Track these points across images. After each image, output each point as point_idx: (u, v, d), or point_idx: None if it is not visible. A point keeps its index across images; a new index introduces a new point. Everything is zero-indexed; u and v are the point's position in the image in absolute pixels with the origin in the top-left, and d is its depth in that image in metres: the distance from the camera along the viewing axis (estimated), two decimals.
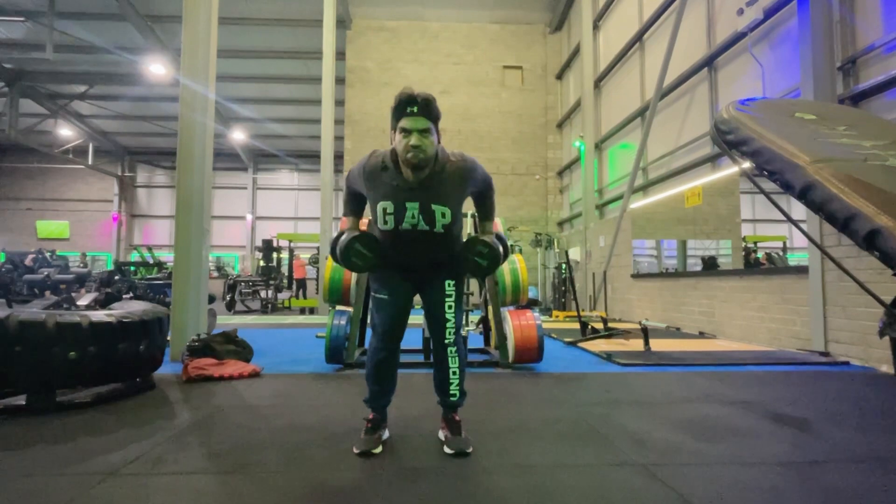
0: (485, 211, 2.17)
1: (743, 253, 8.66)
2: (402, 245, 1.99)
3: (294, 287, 13.38)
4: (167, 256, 16.46)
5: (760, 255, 11.19)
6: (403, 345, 2.22)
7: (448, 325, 2.09)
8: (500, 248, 2.05)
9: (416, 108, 1.77)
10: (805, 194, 1.65)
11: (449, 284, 2.10)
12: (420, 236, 1.94)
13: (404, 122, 1.79)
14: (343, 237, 2.00)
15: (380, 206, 1.91)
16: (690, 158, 7.76)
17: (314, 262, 13.71)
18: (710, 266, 8.12)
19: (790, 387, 3.38)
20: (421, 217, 1.89)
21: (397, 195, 1.88)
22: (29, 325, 2.52)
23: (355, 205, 2.14)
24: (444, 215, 1.90)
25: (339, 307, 4.16)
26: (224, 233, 22.71)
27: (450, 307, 2.09)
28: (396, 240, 1.97)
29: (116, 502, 1.57)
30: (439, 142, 1.89)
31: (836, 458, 1.99)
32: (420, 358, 4.12)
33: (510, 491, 1.67)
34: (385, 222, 1.91)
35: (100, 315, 2.80)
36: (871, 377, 3.75)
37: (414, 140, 1.77)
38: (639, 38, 9.72)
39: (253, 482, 1.73)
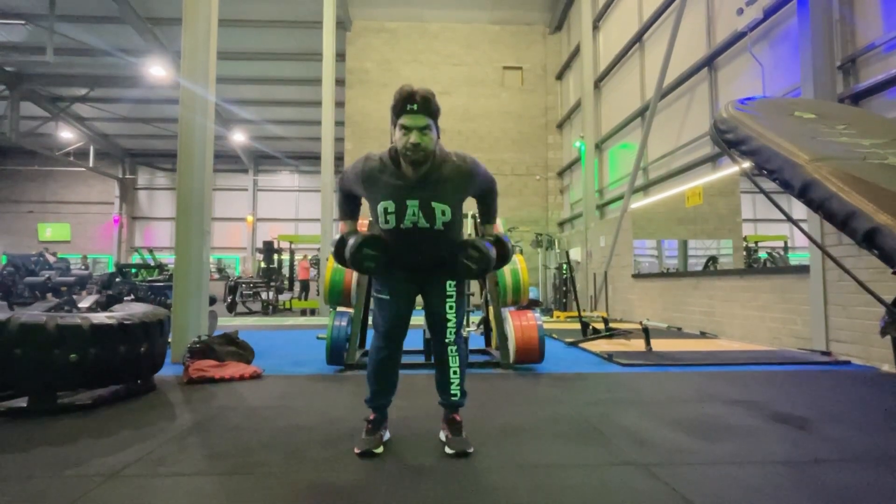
0: (485, 212, 2.20)
1: (744, 253, 8.64)
2: (404, 243, 2.01)
3: (298, 288, 13.39)
4: (168, 258, 16.48)
5: (764, 255, 11.19)
6: (404, 345, 2.22)
7: (449, 324, 2.11)
8: (493, 253, 2.05)
9: (415, 105, 1.80)
10: (804, 193, 1.65)
11: (450, 285, 2.12)
12: (421, 234, 1.96)
13: (404, 120, 1.82)
14: (351, 242, 1.98)
15: (381, 206, 1.92)
16: (691, 158, 7.76)
17: (315, 263, 13.71)
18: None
19: (791, 386, 3.38)
20: (421, 214, 1.91)
21: (398, 194, 1.90)
22: (30, 327, 2.53)
23: (351, 207, 2.18)
24: (443, 213, 1.93)
25: (339, 308, 4.17)
26: (225, 234, 22.73)
27: (451, 307, 2.11)
28: (398, 238, 1.99)
29: None
30: (439, 137, 1.91)
31: (838, 458, 1.99)
32: (421, 359, 4.12)
33: (511, 491, 1.67)
34: (386, 221, 1.93)
35: (101, 317, 2.80)
36: (873, 376, 3.75)
37: (414, 138, 1.80)
38: (638, 38, 9.72)
39: (254, 483, 1.73)
